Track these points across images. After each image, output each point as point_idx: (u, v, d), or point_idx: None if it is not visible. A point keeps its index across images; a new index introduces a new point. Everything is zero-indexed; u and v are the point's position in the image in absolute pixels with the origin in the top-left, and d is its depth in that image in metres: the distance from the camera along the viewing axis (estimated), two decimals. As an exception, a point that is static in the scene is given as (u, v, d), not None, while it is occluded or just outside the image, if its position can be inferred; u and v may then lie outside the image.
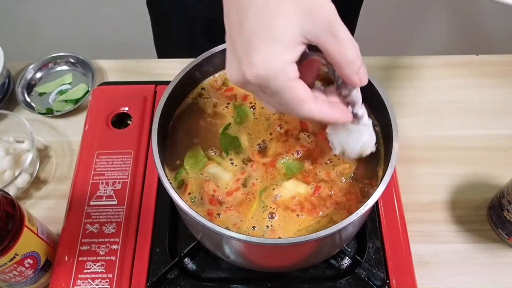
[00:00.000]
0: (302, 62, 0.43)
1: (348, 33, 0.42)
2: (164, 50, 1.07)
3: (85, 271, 0.62)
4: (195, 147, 0.59)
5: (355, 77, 0.44)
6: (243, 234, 0.49)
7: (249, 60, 0.41)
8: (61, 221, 0.67)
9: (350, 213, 0.49)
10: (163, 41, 1.06)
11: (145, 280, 0.62)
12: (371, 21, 1.13)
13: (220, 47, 0.60)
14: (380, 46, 1.20)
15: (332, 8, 0.41)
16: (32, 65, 0.88)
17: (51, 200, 0.75)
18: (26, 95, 0.85)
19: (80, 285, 0.62)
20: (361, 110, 0.48)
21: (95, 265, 0.63)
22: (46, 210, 0.73)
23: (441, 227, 0.72)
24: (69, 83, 0.87)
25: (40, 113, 0.82)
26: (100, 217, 0.67)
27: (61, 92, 0.85)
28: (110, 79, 0.82)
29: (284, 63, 0.41)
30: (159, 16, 1.00)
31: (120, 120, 0.77)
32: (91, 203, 0.68)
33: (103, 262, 0.63)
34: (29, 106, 0.83)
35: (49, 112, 0.82)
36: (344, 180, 0.56)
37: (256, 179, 0.56)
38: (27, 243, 0.58)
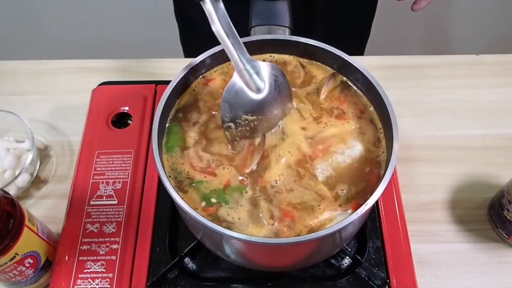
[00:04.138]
0: None
1: None
2: (192, 51, 1.11)
3: (85, 270, 0.63)
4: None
5: None
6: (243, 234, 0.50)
7: None
8: (61, 220, 0.67)
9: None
10: (192, 43, 1.11)
11: (145, 280, 0.62)
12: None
13: (220, 47, 0.60)
14: (380, 46, 1.20)
15: None
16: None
17: (51, 200, 0.75)
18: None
19: (80, 285, 0.62)
20: None
21: (95, 264, 0.63)
22: (46, 210, 0.73)
23: (441, 226, 0.72)
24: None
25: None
26: (100, 216, 0.67)
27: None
28: (110, 79, 0.82)
29: None
30: (188, 21, 1.06)
31: (120, 120, 0.77)
32: (92, 202, 0.68)
33: (103, 262, 0.63)
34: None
35: None
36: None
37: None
38: (27, 242, 0.58)
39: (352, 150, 0.58)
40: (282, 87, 0.59)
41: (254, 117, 0.58)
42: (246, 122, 0.58)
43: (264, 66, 0.57)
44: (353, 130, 0.59)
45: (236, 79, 0.56)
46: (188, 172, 0.56)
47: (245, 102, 0.57)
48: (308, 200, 0.55)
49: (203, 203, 0.54)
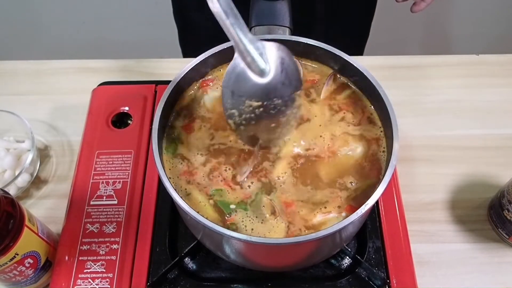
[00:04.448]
0: None
1: None
2: (191, 51, 1.11)
3: (85, 270, 0.63)
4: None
5: None
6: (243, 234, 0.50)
7: None
8: (61, 220, 0.67)
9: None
10: (191, 44, 1.11)
11: (145, 280, 0.62)
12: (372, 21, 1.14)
13: (220, 47, 0.60)
14: (380, 46, 1.20)
15: None
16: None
17: (51, 200, 0.75)
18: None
19: (80, 285, 0.62)
20: None
21: (95, 264, 0.63)
22: (46, 210, 0.73)
23: (441, 226, 0.72)
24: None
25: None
26: (100, 216, 0.67)
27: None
28: (110, 79, 0.82)
29: None
30: (187, 22, 1.06)
31: (120, 120, 0.77)
32: (92, 202, 0.68)
33: (103, 262, 0.63)
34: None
35: None
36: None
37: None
38: (27, 242, 0.58)
39: (351, 151, 0.58)
40: (289, 70, 0.53)
41: (259, 103, 0.53)
42: (251, 108, 0.53)
43: (270, 47, 0.52)
44: (353, 130, 0.59)
45: (237, 61, 0.51)
46: (186, 189, 0.56)
47: (248, 86, 0.52)
48: (312, 196, 0.55)
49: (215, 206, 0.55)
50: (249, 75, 0.52)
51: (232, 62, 0.51)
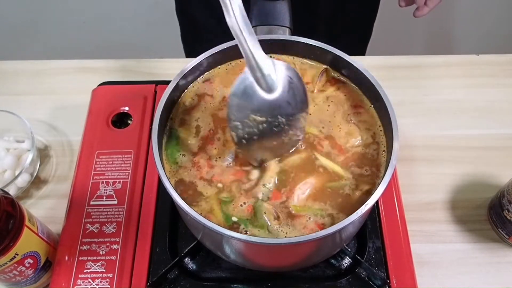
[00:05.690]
0: None
1: None
2: (194, 49, 1.13)
3: (85, 270, 0.63)
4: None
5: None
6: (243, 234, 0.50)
7: None
8: (61, 220, 0.67)
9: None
10: (193, 41, 1.11)
11: (145, 280, 0.62)
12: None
13: (219, 47, 0.60)
14: (381, 46, 1.20)
15: None
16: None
17: (51, 200, 0.75)
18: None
19: (80, 285, 0.62)
20: None
21: (95, 264, 0.63)
22: (46, 210, 0.73)
23: (441, 226, 0.72)
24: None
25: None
26: (100, 216, 0.67)
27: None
28: (110, 79, 0.82)
29: None
30: (189, 19, 1.06)
31: (120, 120, 0.77)
32: (92, 202, 0.68)
33: (103, 262, 0.63)
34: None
35: None
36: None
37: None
38: (27, 242, 0.58)
39: (355, 142, 0.58)
40: (296, 91, 0.55)
41: (263, 118, 0.54)
42: (254, 123, 0.54)
43: (279, 66, 0.53)
44: (353, 129, 0.59)
45: (246, 75, 0.52)
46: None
47: (254, 100, 0.53)
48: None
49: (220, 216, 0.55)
50: (256, 90, 0.53)
51: (242, 74, 0.52)
